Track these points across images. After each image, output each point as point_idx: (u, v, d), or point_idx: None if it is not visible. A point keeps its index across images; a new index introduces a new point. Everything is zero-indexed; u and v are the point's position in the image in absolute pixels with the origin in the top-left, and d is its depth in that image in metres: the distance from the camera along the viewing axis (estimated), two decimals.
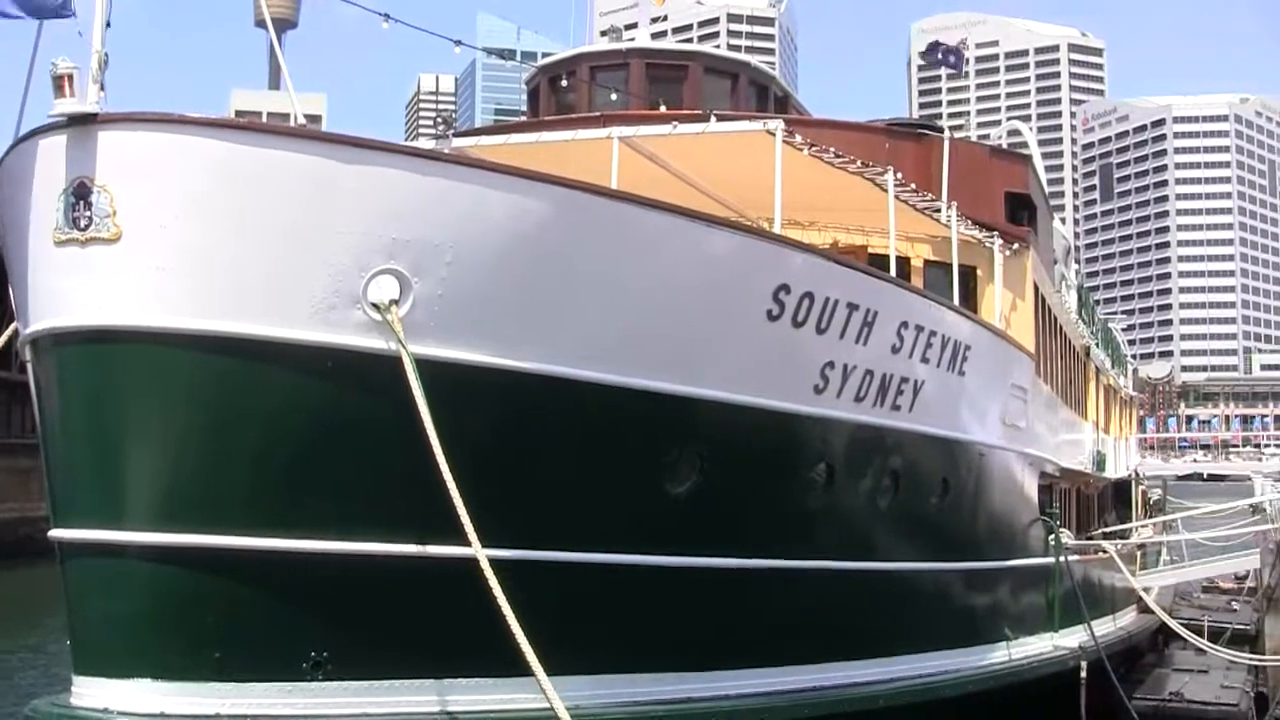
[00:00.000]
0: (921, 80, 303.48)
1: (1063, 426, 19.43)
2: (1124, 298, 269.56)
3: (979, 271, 15.89)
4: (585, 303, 9.12)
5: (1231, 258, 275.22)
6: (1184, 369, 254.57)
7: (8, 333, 9.19)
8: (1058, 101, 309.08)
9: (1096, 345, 24.91)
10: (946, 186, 15.19)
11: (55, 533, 8.40)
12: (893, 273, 12.54)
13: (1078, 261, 41.14)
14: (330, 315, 8.23)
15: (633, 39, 19.54)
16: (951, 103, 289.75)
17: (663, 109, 15.87)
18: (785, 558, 10.85)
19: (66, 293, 8.02)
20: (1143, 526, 27.52)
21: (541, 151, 12.63)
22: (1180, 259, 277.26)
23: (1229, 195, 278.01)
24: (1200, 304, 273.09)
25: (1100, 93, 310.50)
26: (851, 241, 15.60)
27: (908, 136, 16.76)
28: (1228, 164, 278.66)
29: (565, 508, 9.31)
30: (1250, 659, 20.53)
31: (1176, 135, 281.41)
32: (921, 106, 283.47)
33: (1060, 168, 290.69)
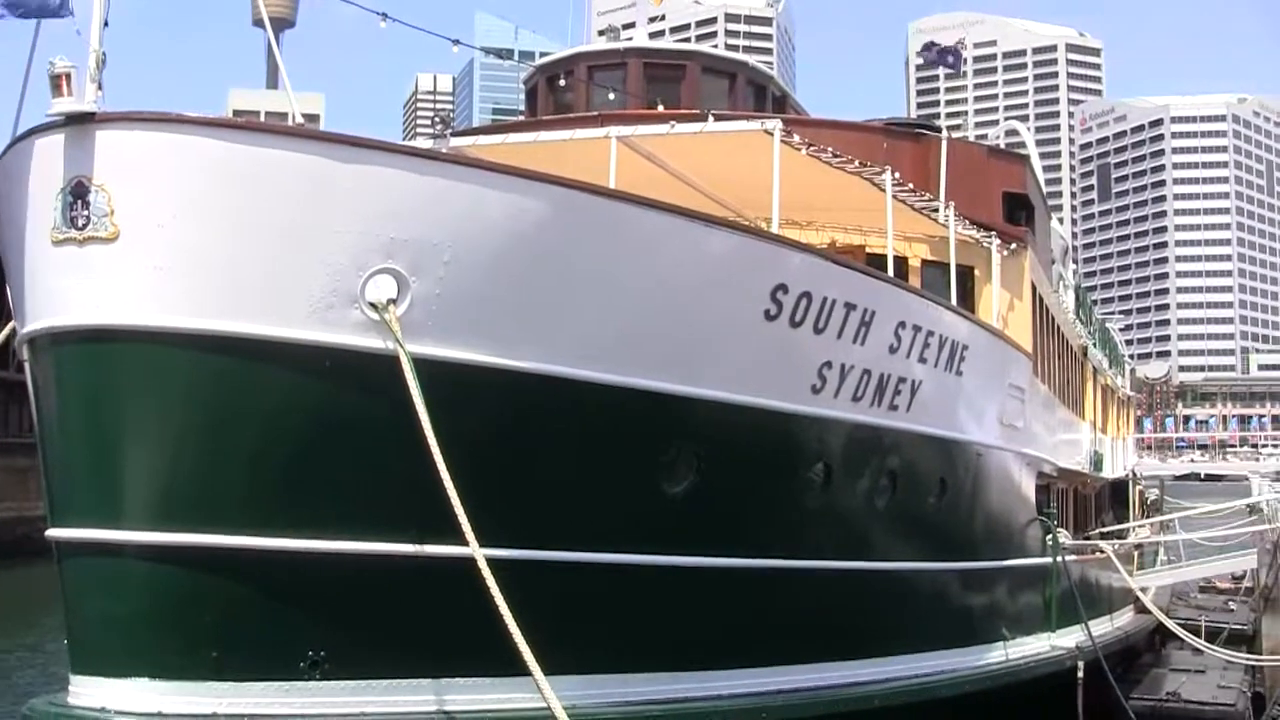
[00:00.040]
0: (919, 80, 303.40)
1: (1060, 426, 19.43)
2: (1122, 298, 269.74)
3: (977, 271, 15.89)
4: (583, 302, 9.12)
5: (1229, 258, 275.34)
6: (1181, 369, 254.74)
7: (5, 332, 9.18)
8: (1056, 101, 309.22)
9: (1094, 345, 24.91)
10: (944, 186, 15.19)
11: (53, 532, 8.39)
12: (890, 272, 12.54)
13: (1075, 261, 41.16)
14: (328, 315, 8.22)
15: (630, 39, 19.57)
16: (949, 102, 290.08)
17: (660, 109, 15.87)
18: (783, 557, 10.85)
19: (64, 292, 8.02)
20: (1140, 526, 27.54)
21: (539, 151, 12.63)
22: (1178, 259, 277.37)
23: (1227, 195, 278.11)
24: (1198, 304, 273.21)
25: (1098, 93, 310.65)
26: (849, 241, 15.60)
27: (905, 136, 16.76)
28: (1225, 164, 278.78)
29: (563, 507, 9.30)
30: (1247, 659, 20.55)
31: (1174, 135, 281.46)
32: (919, 106, 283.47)
33: (1058, 168, 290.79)
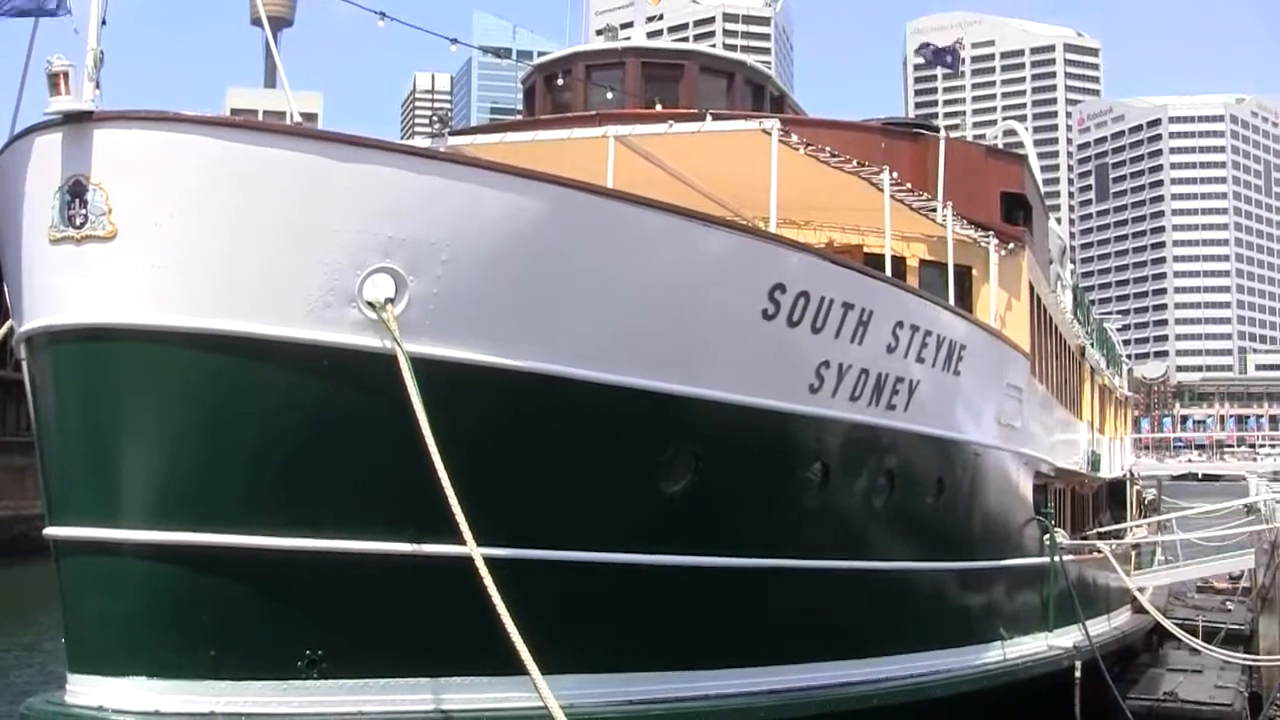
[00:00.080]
0: (917, 80, 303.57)
1: (1058, 426, 19.44)
2: (1119, 297, 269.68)
3: (974, 271, 15.90)
4: (581, 302, 9.12)
5: (1227, 258, 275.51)
6: (1179, 369, 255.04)
7: (3, 330, 9.17)
8: (1053, 101, 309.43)
9: (1092, 345, 24.93)
10: (942, 186, 15.19)
11: (50, 531, 8.38)
12: (888, 272, 12.55)
13: (1073, 261, 41.20)
14: (326, 314, 8.22)
15: (628, 38, 19.57)
16: (947, 102, 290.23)
17: (658, 108, 15.87)
18: (781, 557, 10.85)
19: (61, 291, 8.01)
20: (1137, 526, 27.55)
21: (537, 150, 12.63)
22: (1175, 259, 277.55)
23: (1224, 195, 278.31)
24: (1195, 304, 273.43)
25: (1096, 93, 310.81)
26: (847, 241, 15.61)
27: (903, 136, 16.77)
28: (1223, 164, 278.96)
29: (560, 507, 9.30)
30: (1244, 659, 20.59)
31: (1172, 135, 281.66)
32: (917, 106, 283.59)
33: (1056, 168, 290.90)
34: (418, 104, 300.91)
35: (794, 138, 12.21)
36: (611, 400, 9.29)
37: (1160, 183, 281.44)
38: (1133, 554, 24.16)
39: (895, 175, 13.40)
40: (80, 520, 8.14)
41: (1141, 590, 21.27)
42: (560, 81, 18.03)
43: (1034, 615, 16.13)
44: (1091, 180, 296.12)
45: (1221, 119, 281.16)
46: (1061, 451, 19.37)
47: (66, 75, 7.72)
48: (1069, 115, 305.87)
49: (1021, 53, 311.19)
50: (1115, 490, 27.47)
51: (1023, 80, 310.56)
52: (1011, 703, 14.22)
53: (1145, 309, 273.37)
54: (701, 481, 9.96)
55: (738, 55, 19.07)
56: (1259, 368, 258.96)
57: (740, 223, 12.01)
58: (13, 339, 8.66)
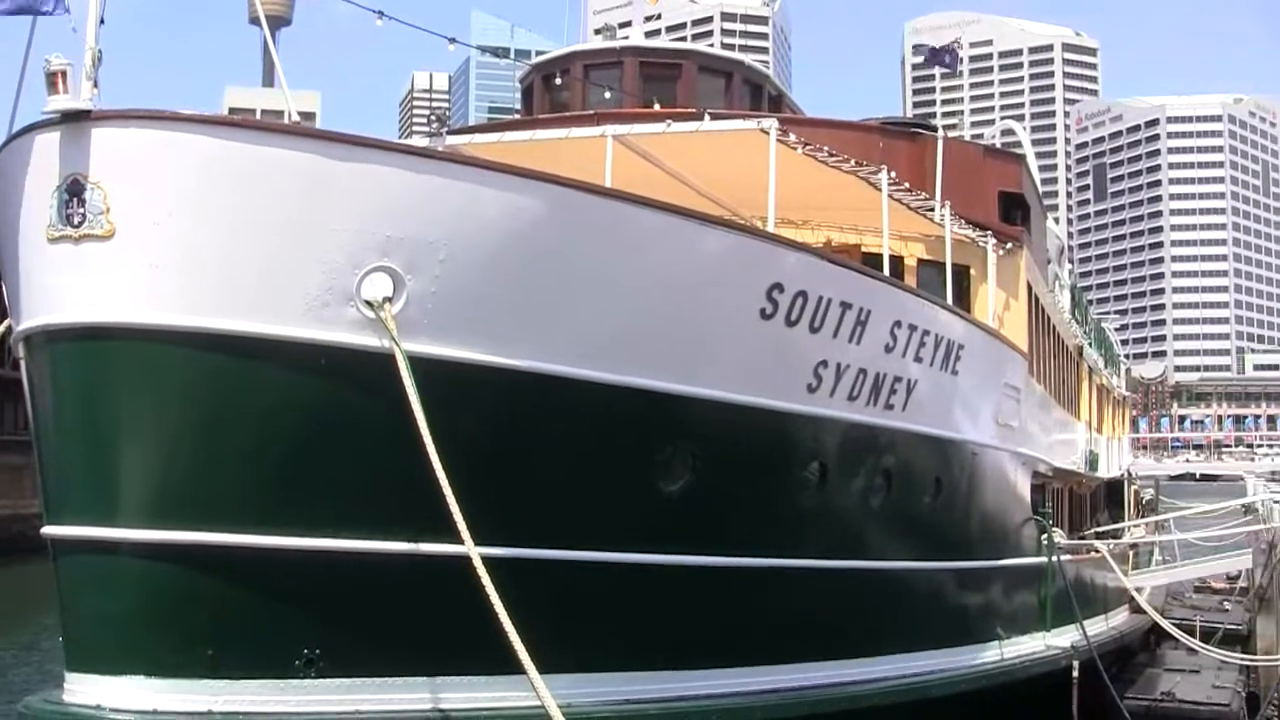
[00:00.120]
0: (915, 79, 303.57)
1: (1056, 426, 19.45)
2: (1117, 297, 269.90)
3: (972, 271, 15.90)
4: (579, 301, 9.12)
5: (1225, 258, 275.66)
6: (1177, 369, 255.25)
7: (1, 329, 9.18)
8: (1052, 101, 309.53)
9: (1090, 345, 24.95)
10: (940, 186, 15.20)
11: (48, 530, 8.38)
12: (886, 272, 12.56)
13: (1071, 261, 41.21)
14: (324, 313, 8.22)
15: (626, 37, 19.57)
16: (945, 102, 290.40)
17: (657, 107, 15.86)
18: (778, 556, 10.85)
19: (60, 290, 8.01)
20: (1135, 526, 27.58)
21: (535, 149, 12.63)
22: (1173, 259, 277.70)
23: (1222, 195, 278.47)
24: (1193, 304, 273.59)
25: (1094, 92, 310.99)
26: (845, 240, 15.60)
27: (901, 136, 16.78)
28: (1221, 164, 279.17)
29: (558, 506, 9.30)
30: (1242, 659, 20.60)
31: (1170, 135, 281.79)
32: (915, 106, 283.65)
33: (1054, 167, 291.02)
34: (416, 103, 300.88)
35: (792, 137, 12.21)
36: (609, 399, 9.29)
37: (1158, 183, 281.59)
38: (1130, 554, 24.18)
39: (893, 175, 13.40)
40: (78, 519, 8.14)
41: (1139, 590, 21.29)
42: (558, 81, 18.04)
43: (1031, 615, 16.13)
44: (1089, 180, 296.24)
45: (1220, 119, 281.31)
46: (1059, 451, 19.37)
47: (65, 74, 7.72)
48: (1067, 115, 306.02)
49: (1020, 52, 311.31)
50: (1113, 490, 27.50)
51: (1021, 80, 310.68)
52: (1009, 703, 14.22)
53: (1143, 309, 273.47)
54: (699, 481, 9.96)
55: (736, 55, 19.06)
56: (1257, 368, 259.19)
57: (738, 222, 12.01)
58: (10, 338, 8.66)
